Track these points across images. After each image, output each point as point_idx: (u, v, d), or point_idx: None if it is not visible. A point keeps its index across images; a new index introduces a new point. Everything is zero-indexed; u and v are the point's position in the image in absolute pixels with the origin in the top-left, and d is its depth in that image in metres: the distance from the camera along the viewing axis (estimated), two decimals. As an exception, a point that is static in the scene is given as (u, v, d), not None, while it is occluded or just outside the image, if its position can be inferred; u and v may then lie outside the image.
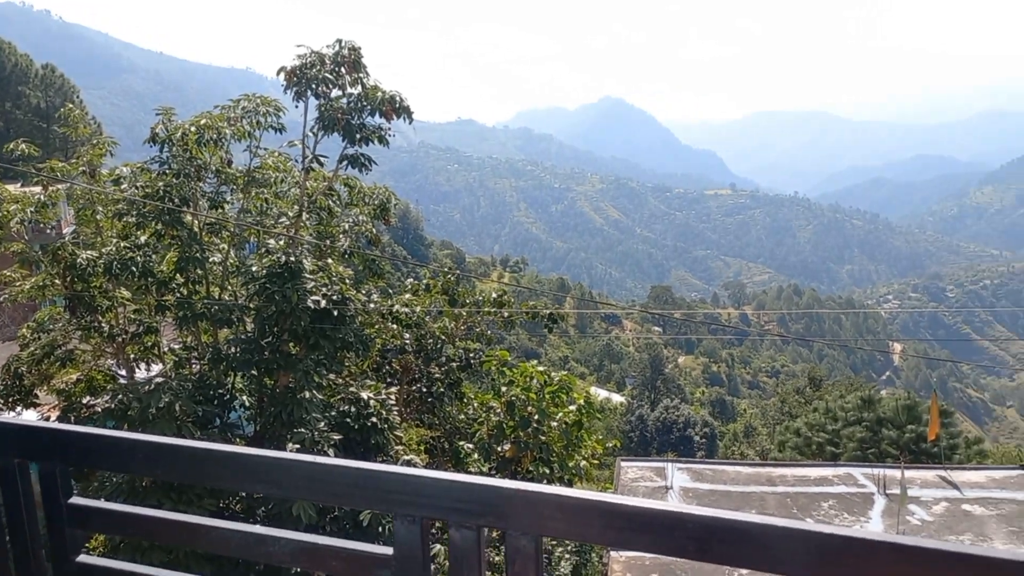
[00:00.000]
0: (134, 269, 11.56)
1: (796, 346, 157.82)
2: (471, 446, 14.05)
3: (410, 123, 12.30)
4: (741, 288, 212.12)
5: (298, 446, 10.51)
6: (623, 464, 18.77)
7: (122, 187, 12.59)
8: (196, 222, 13.14)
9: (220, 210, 13.87)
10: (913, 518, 15.63)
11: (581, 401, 15.03)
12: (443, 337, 14.63)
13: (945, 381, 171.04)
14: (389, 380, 15.03)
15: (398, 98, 11.84)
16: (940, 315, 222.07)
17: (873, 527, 15.56)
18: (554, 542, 14.93)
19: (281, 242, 12.14)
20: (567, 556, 14.01)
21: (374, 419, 11.83)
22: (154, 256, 12.33)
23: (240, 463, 1.78)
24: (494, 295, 15.18)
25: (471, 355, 15.19)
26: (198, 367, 13.05)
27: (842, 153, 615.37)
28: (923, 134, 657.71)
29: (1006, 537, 14.67)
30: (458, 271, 17.88)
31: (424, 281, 16.06)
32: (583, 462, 15.29)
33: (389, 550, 1.69)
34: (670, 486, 17.17)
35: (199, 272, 12.84)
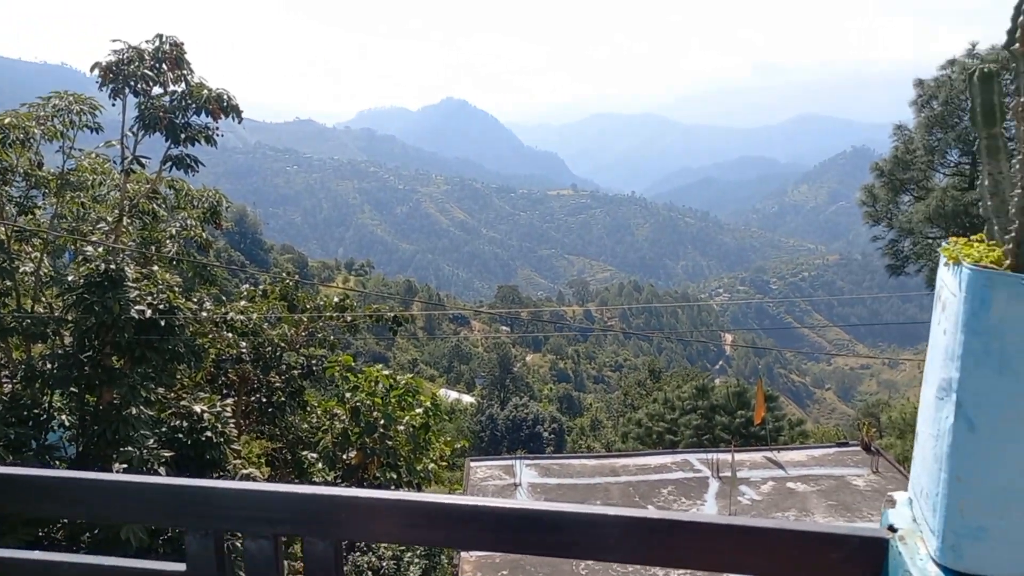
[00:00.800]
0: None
1: (637, 340, 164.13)
2: (315, 455, 13.63)
3: (239, 122, 11.76)
4: (585, 286, 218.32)
5: (125, 466, 9.81)
6: (472, 464, 18.82)
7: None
8: (3, 229, 12.03)
9: (30, 216, 12.76)
10: (744, 498, 16.56)
11: (428, 404, 14.92)
12: (282, 344, 14.09)
13: (771, 368, 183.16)
14: (225, 392, 14.33)
15: (226, 96, 11.28)
16: (765, 306, 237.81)
17: (708, 509, 16.37)
18: (402, 548, 14.72)
19: (100, 249, 11.29)
20: (416, 560, 13.84)
21: (209, 433, 11.23)
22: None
23: (35, 486, 1.66)
24: (336, 299, 14.81)
25: (313, 362, 14.73)
26: (9, 386, 11.95)
27: (674, 155, 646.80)
28: (746, 137, 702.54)
29: (826, 510, 15.82)
30: (297, 276, 17.30)
31: (261, 287, 15.43)
32: (431, 465, 15.18)
33: (182, 566, 1.62)
34: (519, 483, 17.34)
35: (7, 283, 11.76)
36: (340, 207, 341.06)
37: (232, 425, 11.88)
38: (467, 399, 74.75)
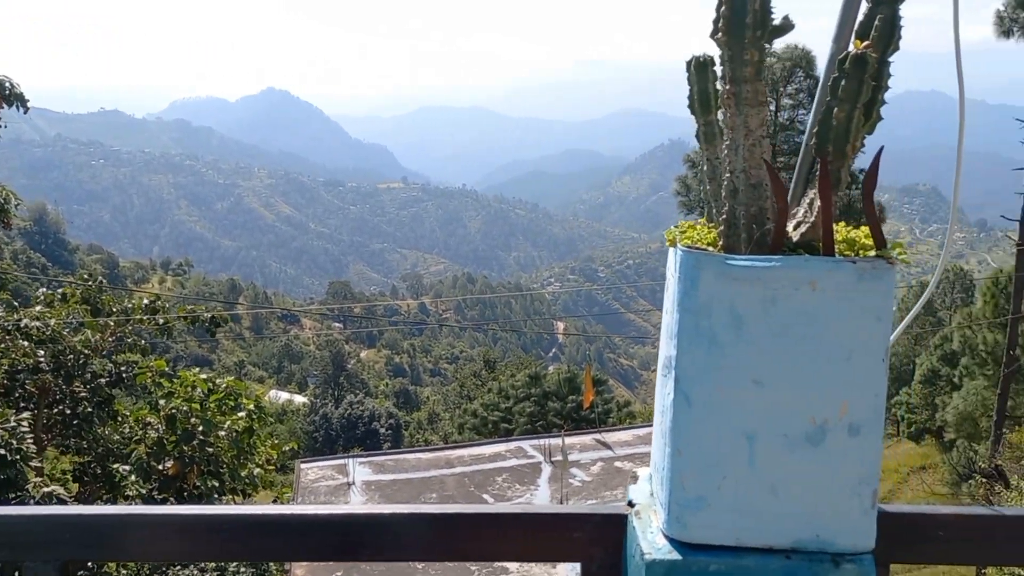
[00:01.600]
0: None
1: (473, 332, 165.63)
2: (127, 468, 12.76)
3: (24, 111, 10.76)
4: (419, 279, 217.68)
5: None
6: (303, 466, 18.33)
7: None
8: None
9: None
10: (575, 480, 17.12)
11: (251, 406, 14.34)
12: (86, 351, 13.08)
13: (601, 353, 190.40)
14: (23, 405, 13.13)
15: (8, 84, 10.29)
16: (594, 293, 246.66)
17: (541, 493, 16.79)
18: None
19: None
20: (242, 570, 13.33)
21: (2, 451, 10.26)
22: None
23: None
24: (146, 301, 13.91)
25: (123, 368, 13.78)
26: None
27: (504, 147, 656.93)
28: (572, 130, 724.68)
29: (649, 485, 16.65)
30: (102, 278, 16.10)
31: (60, 291, 14.24)
32: (257, 470, 14.62)
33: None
34: (352, 482, 17.08)
35: None
36: (154, 203, 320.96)
37: (30, 441, 10.90)
38: (299, 399, 72.68)
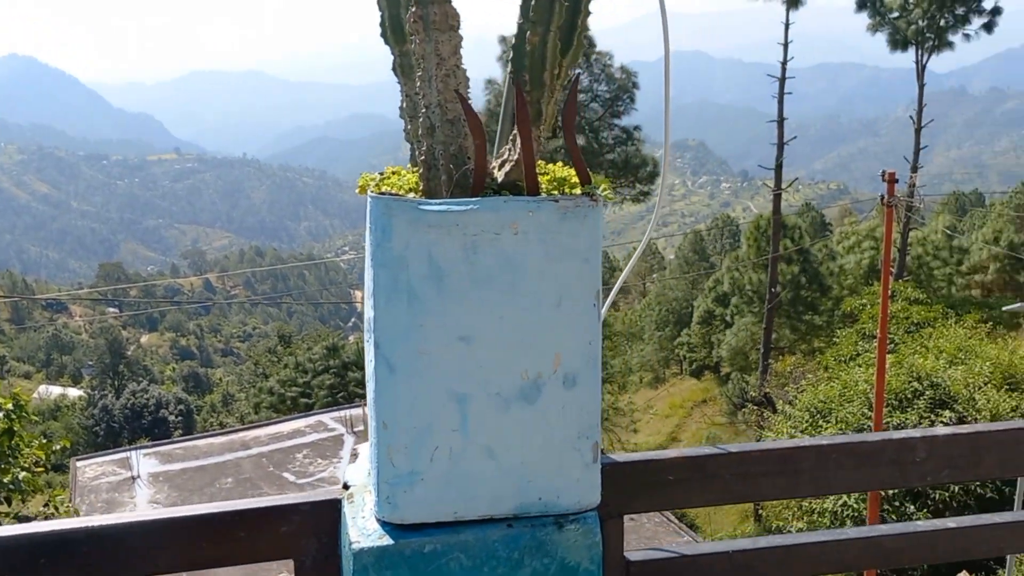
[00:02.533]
0: None
1: (265, 307, 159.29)
2: None
3: None
4: (201, 255, 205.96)
5: None
6: (79, 464, 16.90)
7: None
8: None
9: None
10: (376, 448, 16.97)
11: (9, 406, 12.90)
12: None
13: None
14: None
15: None
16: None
17: (344, 466, 16.51)
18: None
19: None
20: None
21: None
22: None
23: None
24: None
25: None
26: None
27: (285, 113, 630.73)
28: (356, 94, 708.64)
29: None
30: None
31: None
32: (23, 474, 13.22)
33: None
34: (137, 475, 15.94)
35: None
36: None
37: None
38: (74, 393, 66.71)
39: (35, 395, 59.39)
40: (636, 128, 25.09)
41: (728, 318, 38.30)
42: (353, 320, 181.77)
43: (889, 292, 23.40)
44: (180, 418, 55.43)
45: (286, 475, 15.99)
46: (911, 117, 27.95)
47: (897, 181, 9.14)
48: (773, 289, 25.44)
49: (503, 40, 24.84)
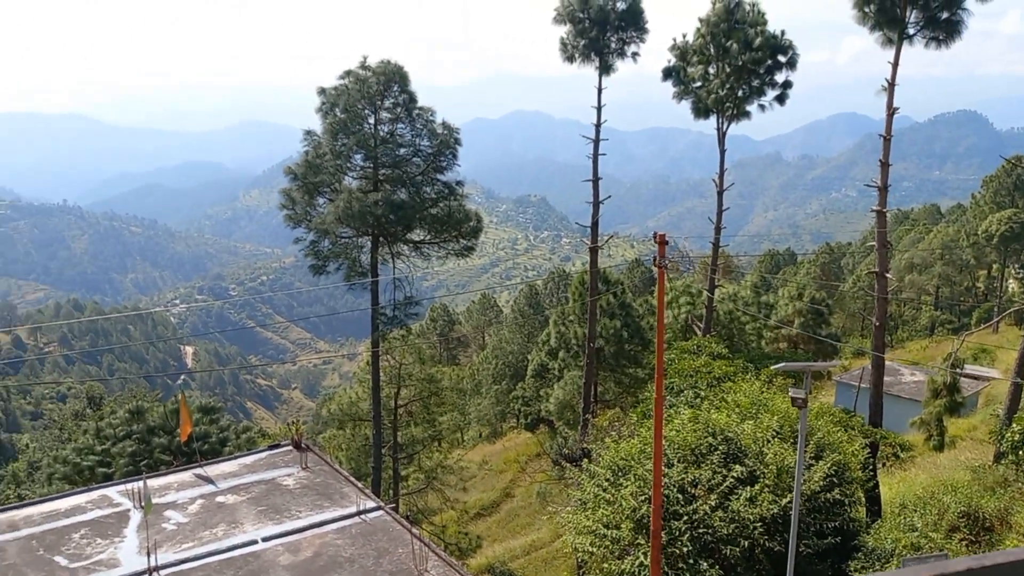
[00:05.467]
0: None
1: (84, 364, 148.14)
2: None
3: None
4: (12, 310, 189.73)
5: None
6: None
7: None
8: None
9: None
10: (169, 524, 15.56)
11: None
12: None
13: (237, 375, 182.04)
14: None
15: None
16: (226, 313, 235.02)
17: (128, 545, 15.00)
18: None
19: None
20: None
21: None
22: None
23: None
24: None
25: None
26: None
27: (110, 159, 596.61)
28: (190, 141, 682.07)
29: (256, 517, 15.66)
30: None
31: None
32: None
33: None
34: None
35: None
36: None
37: None
38: None
39: None
40: (459, 183, 25.22)
41: (557, 371, 38.92)
42: (183, 377, 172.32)
43: (696, 346, 24.66)
44: (-31, 492, 49.82)
45: (58, 559, 14.37)
46: (713, 180, 29.75)
47: (668, 243, 9.44)
48: (591, 344, 25.95)
49: (322, 91, 24.46)
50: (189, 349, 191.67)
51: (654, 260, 9.08)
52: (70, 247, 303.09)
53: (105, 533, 15.18)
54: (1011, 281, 69.18)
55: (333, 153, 24.96)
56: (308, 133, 25.67)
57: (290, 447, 19.81)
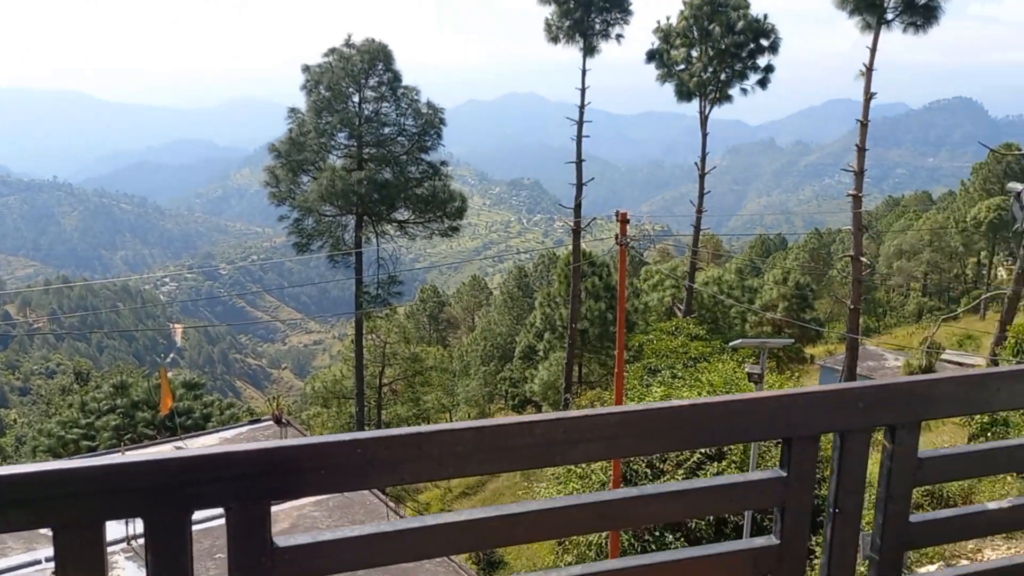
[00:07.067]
0: None
1: (73, 341, 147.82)
2: None
3: None
4: (1, 285, 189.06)
5: None
6: None
7: None
8: None
9: None
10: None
11: None
12: None
13: (226, 354, 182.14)
14: None
15: None
16: (216, 292, 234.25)
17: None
18: None
19: None
20: None
21: None
22: None
23: None
24: None
25: None
26: None
27: (101, 135, 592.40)
28: (181, 118, 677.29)
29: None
30: None
31: None
32: None
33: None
34: None
35: None
36: None
37: None
38: None
39: None
40: (443, 163, 25.28)
41: (543, 353, 39.13)
42: (172, 355, 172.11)
43: (674, 327, 24.92)
44: (-45, 466, 49.98)
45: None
46: (696, 164, 29.75)
47: (628, 222, 9.56)
48: (574, 325, 26.16)
49: (306, 69, 24.44)
50: (178, 327, 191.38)
51: (616, 238, 9.27)
52: (60, 223, 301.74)
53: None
54: (999, 268, 69.67)
55: (317, 131, 24.99)
56: (292, 111, 25.68)
57: (271, 422, 20.04)
